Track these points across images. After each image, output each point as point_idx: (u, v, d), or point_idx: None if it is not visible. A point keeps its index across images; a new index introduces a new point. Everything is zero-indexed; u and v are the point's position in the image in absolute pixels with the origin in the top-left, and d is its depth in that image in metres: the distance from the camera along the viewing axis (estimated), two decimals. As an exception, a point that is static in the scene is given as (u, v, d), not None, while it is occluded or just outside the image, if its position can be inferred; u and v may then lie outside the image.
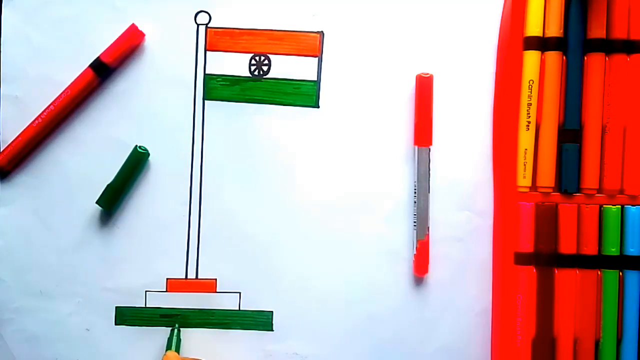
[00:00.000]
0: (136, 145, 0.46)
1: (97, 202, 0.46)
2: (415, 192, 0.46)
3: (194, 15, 0.47)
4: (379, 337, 0.47)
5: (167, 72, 0.47)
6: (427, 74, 0.46)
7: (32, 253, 0.47)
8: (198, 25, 0.47)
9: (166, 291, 0.47)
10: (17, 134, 0.46)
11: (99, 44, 0.47)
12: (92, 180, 0.47)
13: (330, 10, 0.47)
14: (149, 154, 0.46)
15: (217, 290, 0.47)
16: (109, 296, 0.47)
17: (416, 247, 0.46)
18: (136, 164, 0.46)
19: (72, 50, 0.47)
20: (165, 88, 0.47)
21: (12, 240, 0.47)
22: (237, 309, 0.47)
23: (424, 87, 0.46)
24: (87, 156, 0.47)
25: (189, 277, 0.47)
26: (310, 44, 0.47)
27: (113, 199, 0.46)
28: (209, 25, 0.47)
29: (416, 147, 0.46)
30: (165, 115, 0.47)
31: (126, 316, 0.47)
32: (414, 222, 0.46)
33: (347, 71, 0.47)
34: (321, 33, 0.47)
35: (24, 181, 0.47)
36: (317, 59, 0.47)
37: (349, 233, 0.47)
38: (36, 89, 0.47)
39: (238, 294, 0.47)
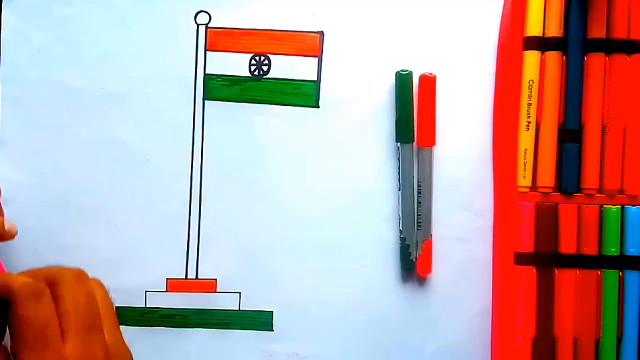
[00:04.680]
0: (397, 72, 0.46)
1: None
2: (419, 193, 0.46)
3: (194, 15, 0.47)
4: (379, 337, 0.47)
5: (167, 72, 0.47)
6: (431, 74, 0.46)
7: (32, 253, 0.47)
8: (198, 25, 0.47)
9: (166, 291, 0.47)
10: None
11: (99, 44, 0.47)
12: (92, 180, 0.47)
13: (330, 10, 0.47)
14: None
15: (217, 290, 0.47)
16: (109, 296, 0.47)
17: (420, 248, 0.46)
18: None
19: (72, 50, 0.47)
20: (165, 88, 0.47)
21: (12, 240, 0.47)
22: (237, 309, 0.47)
23: (427, 87, 0.46)
24: (87, 156, 0.47)
25: (189, 277, 0.47)
26: (310, 44, 0.47)
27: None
28: (209, 25, 0.47)
29: (419, 148, 0.46)
30: (165, 115, 0.47)
31: (126, 316, 0.47)
32: (418, 222, 0.46)
33: (347, 71, 0.47)
34: (321, 33, 0.47)
35: (24, 181, 0.47)
36: (317, 59, 0.47)
37: (350, 233, 0.47)
38: (36, 89, 0.47)
39: (238, 294, 0.47)
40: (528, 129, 0.46)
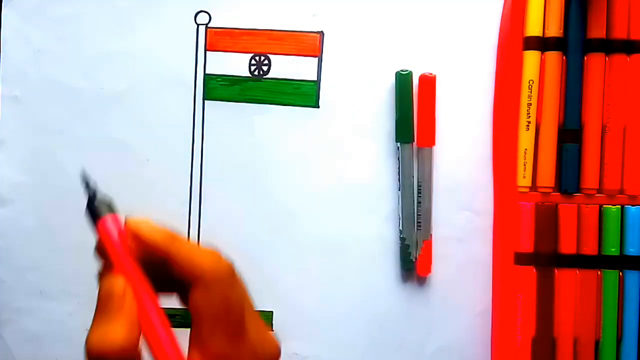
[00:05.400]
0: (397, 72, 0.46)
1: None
2: (419, 193, 0.46)
3: (194, 15, 0.47)
4: (379, 336, 0.47)
5: (167, 72, 0.47)
6: (431, 73, 0.46)
7: (32, 253, 0.47)
8: (198, 25, 0.47)
9: (166, 291, 0.47)
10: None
11: (99, 44, 0.47)
12: (92, 180, 0.47)
13: (330, 10, 0.47)
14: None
15: (217, 290, 0.47)
16: (109, 296, 0.47)
17: (420, 248, 0.46)
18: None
19: (72, 50, 0.47)
20: (165, 88, 0.47)
21: (12, 240, 0.47)
22: (237, 309, 0.47)
23: (427, 87, 0.46)
24: (87, 156, 0.47)
25: (189, 277, 0.47)
26: (310, 44, 0.47)
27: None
28: (209, 25, 0.47)
29: (419, 148, 0.46)
30: (165, 115, 0.47)
31: (126, 316, 0.47)
32: (418, 222, 0.46)
33: (347, 71, 0.47)
34: (321, 33, 0.47)
35: (24, 181, 0.47)
36: (317, 59, 0.47)
37: (349, 233, 0.47)
38: (36, 89, 0.47)
39: (238, 294, 0.47)
40: (528, 129, 0.46)
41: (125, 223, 0.29)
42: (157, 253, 0.28)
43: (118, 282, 0.27)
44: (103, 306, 0.28)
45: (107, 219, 0.29)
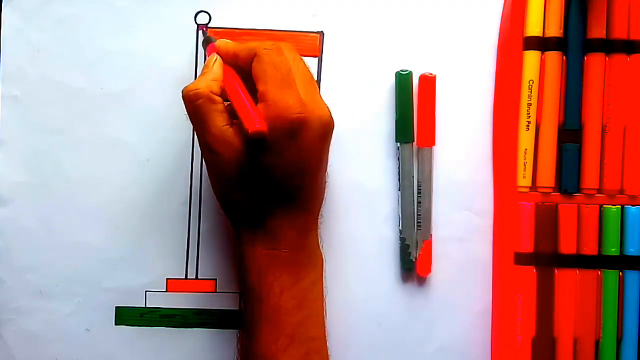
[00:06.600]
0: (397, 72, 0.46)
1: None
2: (419, 193, 0.46)
3: (194, 15, 0.47)
4: (379, 336, 0.47)
5: (167, 72, 0.47)
6: (431, 73, 0.46)
7: (32, 253, 0.47)
8: (198, 25, 0.47)
9: (166, 291, 0.47)
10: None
11: (99, 44, 0.47)
12: (92, 180, 0.47)
13: (330, 10, 0.47)
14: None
15: (217, 290, 0.47)
16: (109, 296, 0.47)
17: (420, 248, 0.46)
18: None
19: (72, 50, 0.47)
20: (165, 88, 0.47)
21: (12, 240, 0.47)
22: (237, 309, 0.47)
23: (427, 87, 0.46)
24: (87, 156, 0.47)
25: (188, 277, 0.47)
26: (310, 44, 0.47)
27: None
28: (209, 25, 0.47)
29: (419, 148, 0.46)
30: (165, 116, 0.47)
31: (126, 316, 0.47)
32: (418, 222, 0.46)
33: (347, 71, 0.47)
34: (321, 33, 0.47)
35: (24, 181, 0.47)
36: (317, 59, 0.47)
37: (350, 233, 0.47)
38: (36, 89, 0.47)
39: (238, 294, 0.47)
40: (528, 129, 0.46)
41: (216, 44, 0.43)
42: (230, 54, 0.42)
43: (212, 57, 0.42)
44: (202, 71, 0.42)
45: (213, 44, 0.43)
